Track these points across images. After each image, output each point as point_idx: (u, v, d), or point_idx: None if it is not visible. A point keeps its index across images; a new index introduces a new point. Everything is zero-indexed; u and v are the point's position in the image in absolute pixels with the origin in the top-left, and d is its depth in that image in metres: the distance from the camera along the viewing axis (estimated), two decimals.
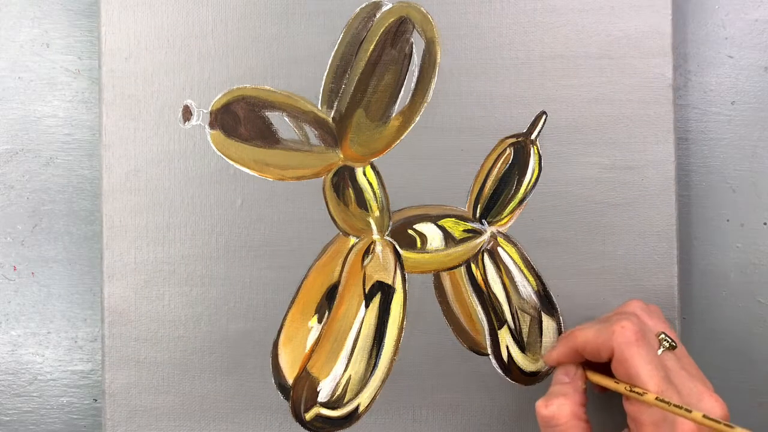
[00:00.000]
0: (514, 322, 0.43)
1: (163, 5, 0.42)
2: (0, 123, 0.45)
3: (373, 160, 0.42)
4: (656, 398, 0.33)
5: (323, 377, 0.42)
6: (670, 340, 0.36)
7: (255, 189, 0.42)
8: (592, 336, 0.36)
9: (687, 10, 0.45)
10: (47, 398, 0.45)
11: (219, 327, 0.42)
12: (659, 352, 0.35)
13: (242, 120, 0.42)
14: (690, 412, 0.32)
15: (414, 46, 0.42)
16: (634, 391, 0.34)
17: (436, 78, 0.42)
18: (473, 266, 0.43)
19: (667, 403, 0.32)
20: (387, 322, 0.42)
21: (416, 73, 0.42)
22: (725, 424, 0.31)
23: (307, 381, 0.42)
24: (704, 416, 0.32)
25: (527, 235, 0.43)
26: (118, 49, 0.42)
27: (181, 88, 0.42)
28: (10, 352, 0.45)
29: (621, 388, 0.35)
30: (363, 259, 0.42)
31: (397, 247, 0.42)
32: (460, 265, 0.42)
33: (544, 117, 0.43)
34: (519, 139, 0.42)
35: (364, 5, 0.42)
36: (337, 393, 0.42)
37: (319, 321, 0.42)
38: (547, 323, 0.42)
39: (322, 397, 0.42)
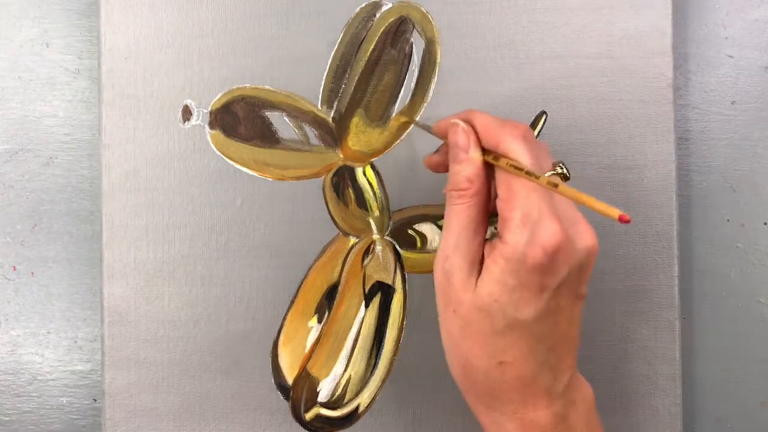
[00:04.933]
0: None
1: (163, 5, 0.42)
2: None
3: (373, 160, 0.42)
4: (547, 180, 0.31)
5: (323, 377, 0.42)
6: (564, 169, 0.34)
7: (255, 189, 0.42)
8: (485, 118, 0.34)
9: (687, 10, 0.45)
10: (47, 398, 0.45)
11: (219, 327, 0.42)
12: (548, 174, 0.32)
13: (242, 120, 0.42)
14: (558, 187, 0.30)
15: (414, 45, 0.42)
16: (511, 164, 0.31)
17: (436, 78, 0.42)
18: None
19: (554, 183, 0.30)
20: (387, 322, 0.42)
21: (416, 73, 0.42)
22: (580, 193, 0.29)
23: (307, 381, 0.42)
24: (549, 182, 0.30)
25: None
26: (118, 48, 0.42)
27: (181, 88, 0.42)
28: (9, 352, 0.45)
29: (511, 168, 0.32)
30: (363, 259, 0.42)
31: (397, 247, 0.42)
32: None
33: (544, 117, 0.42)
34: None
35: (364, 5, 0.42)
36: (337, 393, 0.42)
37: (319, 321, 0.42)
38: None
39: (322, 397, 0.42)
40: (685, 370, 0.44)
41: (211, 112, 0.42)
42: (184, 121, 0.42)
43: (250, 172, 0.42)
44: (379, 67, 0.42)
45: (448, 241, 0.33)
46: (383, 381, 0.42)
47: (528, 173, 0.31)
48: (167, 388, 0.42)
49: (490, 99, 0.42)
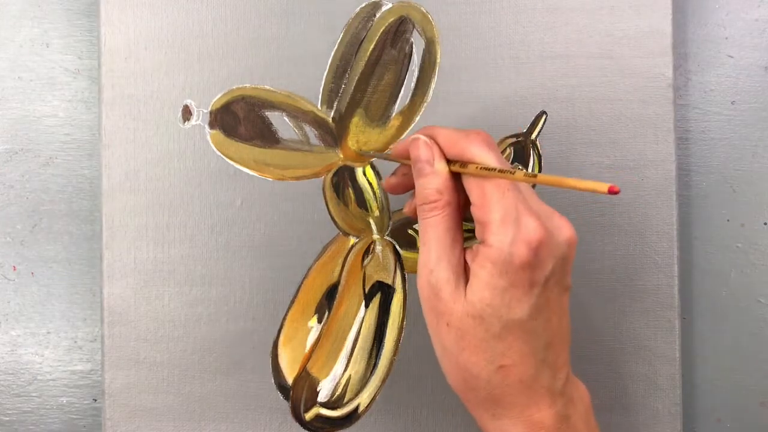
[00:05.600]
0: None
1: (163, 5, 0.42)
2: None
3: (373, 160, 0.42)
4: (525, 174, 0.31)
5: (323, 377, 0.42)
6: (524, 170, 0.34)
7: (255, 189, 0.42)
8: (447, 130, 0.34)
9: (687, 10, 0.45)
10: (47, 398, 0.45)
11: (219, 327, 0.42)
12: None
13: (242, 120, 0.42)
14: (537, 179, 0.30)
15: (414, 45, 0.42)
16: (481, 168, 0.32)
17: (436, 78, 0.42)
18: None
19: (532, 175, 0.31)
20: (387, 322, 0.42)
21: (416, 73, 0.42)
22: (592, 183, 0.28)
23: (307, 381, 0.42)
24: (525, 174, 0.30)
25: None
26: (118, 48, 0.42)
27: (181, 88, 0.42)
28: (9, 352, 0.45)
29: (483, 171, 0.32)
30: (363, 259, 0.42)
31: (397, 247, 0.42)
32: None
33: (544, 117, 0.43)
34: (519, 139, 0.42)
35: (364, 5, 0.42)
36: (337, 393, 0.42)
37: (319, 321, 0.42)
38: None
39: (322, 397, 0.42)
40: (685, 370, 0.44)
41: (211, 112, 0.42)
42: (184, 121, 0.42)
43: (250, 172, 0.42)
44: (379, 67, 0.42)
45: (428, 255, 0.33)
46: (383, 381, 0.42)
47: (502, 171, 0.31)
48: (167, 388, 0.42)
49: (490, 99, 0.42)
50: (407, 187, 0.37)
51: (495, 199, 0.31)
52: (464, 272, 0.33)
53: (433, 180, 0.34)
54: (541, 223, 0.31)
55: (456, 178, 0.34)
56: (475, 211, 0.32)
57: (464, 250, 0.34)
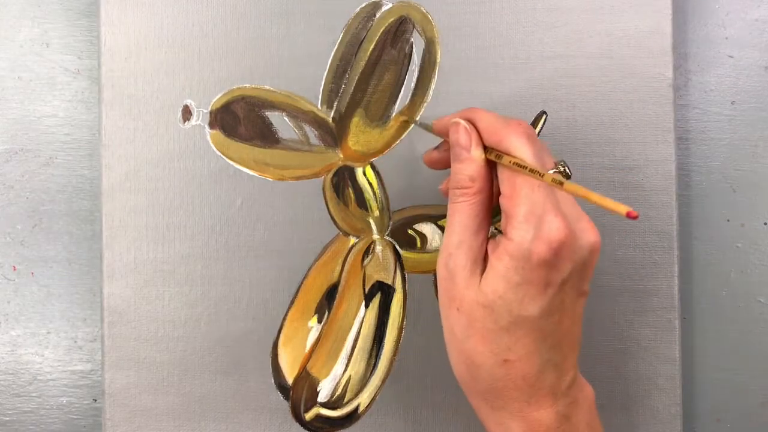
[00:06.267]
0: None
1: (163, 5, 0.42)
2: None
3: (373, 160, 0.42)
4: (552, 176, 0.31)
5: (323, 377, 0.42)
6: (567, 169, 0.34)
7: (255, 189, 0.42)
8: (488, 117, 0.34)
9: (687, 10, 0.45)
10: (47, 398, 0.45)
11: (219, 327, 0.42)
12: (552, 171, 0.33)
13: (242, 120, 0.42)
14: (562, 185, 0.30)
15: (414, 45, 0.42)
16: (515, 162, 0.31)
17: (436, 78, 0.42)
18: None
19: (559, 180, 0.30)
20: (387, 322, 0.42)
21: (416, 73, 0.42)
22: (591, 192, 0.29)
23: (307, 381, 0.42)
24: (553, 180, 0.30)
25: None
26: (118, 48, 0.42)
27: (181, 88, 0.42)
28: (9, 352, 0.45)
29: (515, 166, 0.32)
30: (363, 259, 0.42)
31: (397, 247, 0.42)
32: None
33: (544, 117, 0.42)
34: None
35: (364, 5, 0.42)
36: (337, 393, 0.42)
37: (319, 321, 0.42)
38: None
39: (322, 397, 0.42)
40: (685, 370, 0.44)
41: (211, 112, 0.42)
42: (184, 121, 0.42)
43: (250, 172, 0.42)
44: (379, 67, 0.42)
45: (450, 239, 0.33)
46: (383, 381, 0.42)
47: (532, 170, 0.31)
48: (167, 388, 0.42)
49: (490, 99, 0.42)
50: (446, 164, 0.37)
51: (524, 193, 0.31)
52: (483, 261, 0.33)
53: (467, 166, 0.33)
54: (566, 224, 0.30)
55: (491, 166, 0.34)
56: (503, 201, 0.32)
57: (488, 240, 0.33)
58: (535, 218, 0.31)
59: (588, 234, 0.32)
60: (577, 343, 0.33)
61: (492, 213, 0.34)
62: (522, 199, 0.31)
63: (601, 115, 0.43)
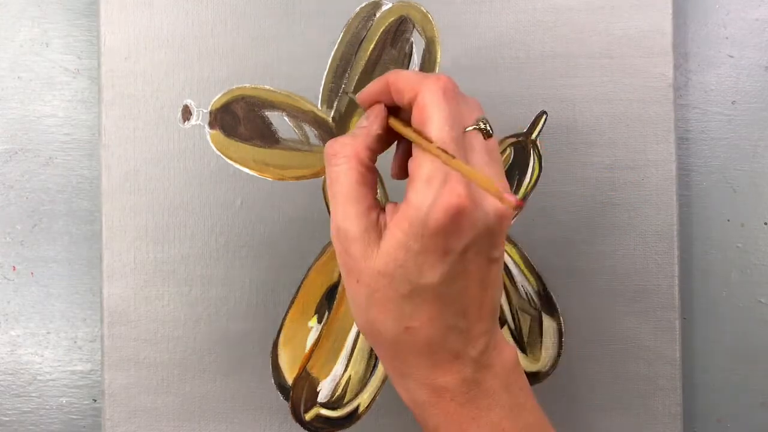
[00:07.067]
0: (514, 322, 0.43)
1: (163, 5, 0.42)
2: None
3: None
4: (437, 148, 0.30)
5: (323, 377, 0.42)
6: (488, 127, 0.32)
7: (255, 189, 0.42)
8: (406, 74, 0.32)
9: (687, 10, 0.45)
10: (46, 398, 0.45)
11: (219, 327, 0.42)
12: (470, 128, 0.32)
13: (242, 120, 0.42)
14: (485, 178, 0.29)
15: (414, 45, 0.42)
16: (420, 136, 0.31)
17: None
18: None
19: (445, 152, 0.29)
20: None
21: None
22: (490, 183, 0.28)
23: (307, 381, 0.42)
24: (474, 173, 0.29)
25: (527, 235, 0.42)
26: (118, 48, 0.42)
27: (181, 88, 0.42)
28: (9, 353, 0.45)
29: (410, 132, 0.31)
30: None
31: None
32: None
33: (544, 117, 0.42)
34: (519, 139, 0.42)
35: (364, 5, 0.42)
36: (337, 393, 0.42)
37: (319, 321, 0.42)
38: (548, 323, 0.42)
39: (322, 397, 0.42)
40: (686, 371, 0.44)
41: (211, 112, 0.42)
42: (184, 121, 0.42)
43: (250, 172, 0.42)
44: (379, 67, 0.42)
45: (335, 211, 0.32)
46: (383, 381, 0.42)
47: (419, 135, 0.30)
48: (167, 388, 0.42)
49: (490, 99, 0.42)
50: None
51: (428, 157, 0.30)
52: (377, 228, 0.32)
53: (358, 138, 0.33)
54: (466, 191, 0.29)
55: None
56: (410, 163, 0.31)
57: (379, 206, 0.33)
58: (437, 182, 0.30)
59: (495, 201, 0.30)
60: (490, 309, 0.32)
61: (376, 179, 0.34)
62: (425, 161, 0.30)
63: (601, 115, 0.43)
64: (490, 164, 0.32)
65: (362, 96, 0.35)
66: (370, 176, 0.33)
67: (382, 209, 0.33)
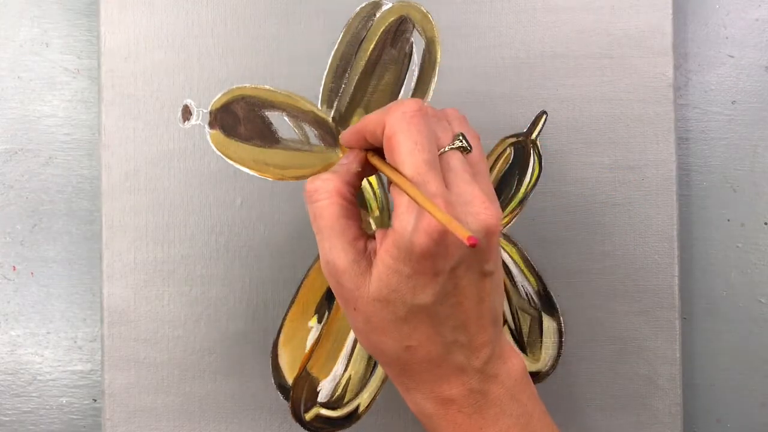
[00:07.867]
0: (514, 322, 0.43)
1: (163, 5, 0.42)
2: None
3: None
4: (409, 184, 0.29)
5: (323, 377, 0.42)
6: (464, 142, 0.32)
7: (255, 189, 0.42)
8: (372, 114, 0.33)
9: (688, 10, 0.45)
10: (46, 398, 0.45)
11: (219, 327, 0.42)
12: (446, 149, 0.32)
13: (242, 120, 0.42)
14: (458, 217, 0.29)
15: (414, 45, 0.42)
16: (396, 172, 0.31)
17: (436, 77, 0.42)
18: None
19: (414, 188, 0.29)
20: None
21: (416, 73, 0.42)
22: (457, 225, 0.27)
23: (307, 381, 0.42)
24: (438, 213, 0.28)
25: (527, 235, 0.43)
26: (118, 48, 0.42)
27: (181, 88, 0.42)
28: (9, 353, 0.45)
29: (386, 169, 0.31)
30: None
31: None
32: None
33: (544, 117, 0.42)
34: (519, 139, 0.42)
35: (364, 5, 0.42)
36: (337, 393, 0.42)
37: (319, 321, 0.42)
38: (548, 323, 0.42)
39: (322, 397, 0.42)
40: (686, 371, 0.44)
41: (211, 112, 0.42)
42: (184, 121, 0.42)
43: (250, 172, 0.42)
44: (379, 67, 0.42)
45: (322, 246, 0.33)
46: (383, 381, 0.42)
47: (395, 171, 0.30)
48: (167, 388, 0.42)
49: (490, 99, 0.42)
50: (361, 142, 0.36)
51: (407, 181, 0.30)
52: (366, 256, 0.32)
53: (336, 174, 0.33)
54: (448, 212, 0.29)
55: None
56: (391, 189, 0.32)
57: (365, 235, 0.33)
58: (415, 207, 0.30)
59: (479, 216, 0.30)
60: (490, 319, 0.33)
61: (358, 209, 0.34)
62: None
63: (601, 115, 0.43)
64: (473, 180, 0.32)
65: (343, 140, 0.36)
66: (353, 209, 0.33)
67: (371, 237, 0.33)
